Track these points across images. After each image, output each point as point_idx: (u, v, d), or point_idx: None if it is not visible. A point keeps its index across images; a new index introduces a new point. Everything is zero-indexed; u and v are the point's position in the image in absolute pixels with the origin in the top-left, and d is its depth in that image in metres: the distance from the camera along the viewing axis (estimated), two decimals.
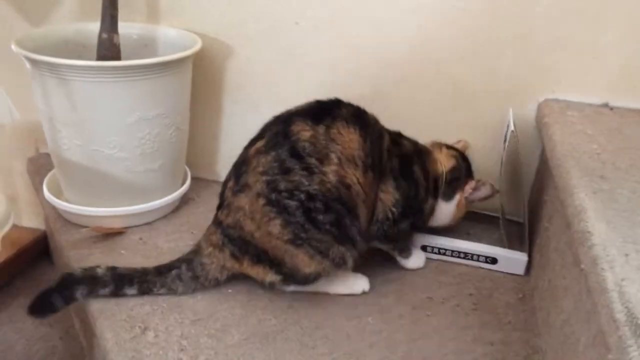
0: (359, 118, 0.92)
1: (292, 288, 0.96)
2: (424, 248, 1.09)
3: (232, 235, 0.91)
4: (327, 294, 0.98)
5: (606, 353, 0.56)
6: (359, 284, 0.99)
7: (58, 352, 1.25)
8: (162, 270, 0.95)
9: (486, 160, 1.18)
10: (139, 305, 0.92)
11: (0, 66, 1.35)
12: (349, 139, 0.89)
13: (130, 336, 0.86)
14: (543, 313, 0.92)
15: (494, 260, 1.06)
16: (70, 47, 1.13)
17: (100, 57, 1.09)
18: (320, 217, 0.87)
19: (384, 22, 1.14)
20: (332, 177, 0.87)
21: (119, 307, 0.92)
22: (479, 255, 1.06)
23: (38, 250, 1.50)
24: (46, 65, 0.98)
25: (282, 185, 0.86)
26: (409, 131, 1.20)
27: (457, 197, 1.05)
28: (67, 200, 1.14)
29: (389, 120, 1.21)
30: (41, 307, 0.88)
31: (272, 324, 0.91)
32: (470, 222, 1.17)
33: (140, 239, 1.12)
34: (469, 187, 1.05)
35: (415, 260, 1.06)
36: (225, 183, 0.95)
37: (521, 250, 1.06)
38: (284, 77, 1.24)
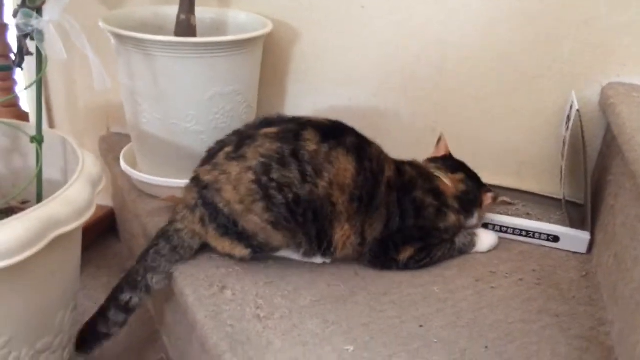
0: (361, 151, 0.95)
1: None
2: (484, 225, 1.11)
3: (207, 197, 0.93)
4: None
5: None
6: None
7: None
8: (142, 254, 0.96)
9: (545, 144, 1.20)
10: (214, 268, 0.97)
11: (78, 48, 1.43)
12: (345, 167, 0.93)
13: (209, 293, 0.91)
14: (609, 288, 0.93)
15: (555, 239, 1.07)
16: (148, 29, 1.18)
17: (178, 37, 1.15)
18: (301, 219, 0.92)
19: (448, 5, 1.17)
20: (321, 191, 0.91)
21: (196, 269, 0.97)
22: (541, 233, 1.08)
23: (104, 226, 1.57)
24: (132, 40, 1.05)
25: (275, 175, 0.90)
26: (471, 112, 1.22)
27: (476, 214, 1.08)
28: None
29: (451, 103, 1.25)
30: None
31: (341, 289, 0.95)
32: (531, 204, 1.19)
33: None
34: (487, 202, 1.08)
35: (484, 242, 1.07)
36: (222, 146, 0.96)
37: (583, 230, 1.07)
38: (348, 60, 1.28)
